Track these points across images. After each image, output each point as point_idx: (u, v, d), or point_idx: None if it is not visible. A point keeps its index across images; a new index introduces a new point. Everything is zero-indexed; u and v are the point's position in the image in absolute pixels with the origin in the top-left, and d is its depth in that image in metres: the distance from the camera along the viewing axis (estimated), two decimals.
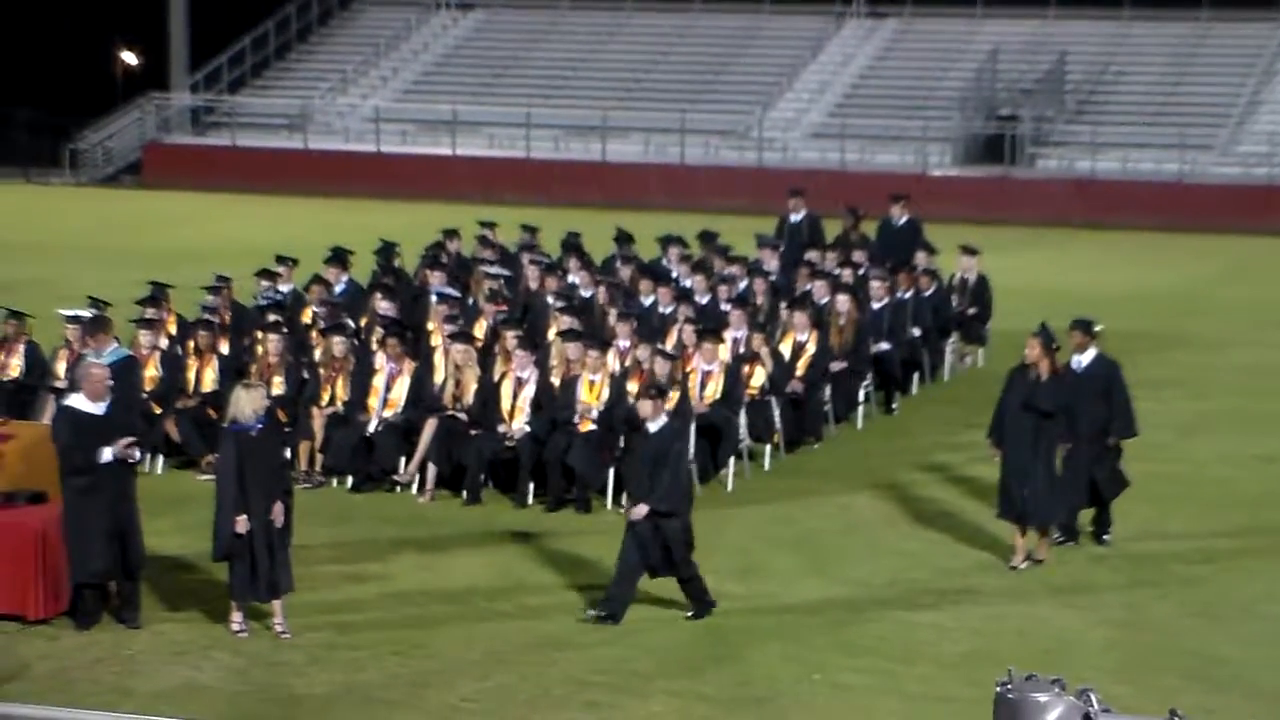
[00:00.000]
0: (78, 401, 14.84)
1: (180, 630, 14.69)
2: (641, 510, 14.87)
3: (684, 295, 23.08)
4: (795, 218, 28.79)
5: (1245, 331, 31.14)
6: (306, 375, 20.38)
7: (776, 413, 20.75)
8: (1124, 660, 14.28)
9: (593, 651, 14.32)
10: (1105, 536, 17.56)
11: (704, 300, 23.43)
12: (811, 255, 26.72)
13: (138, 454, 14.89)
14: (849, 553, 17.44)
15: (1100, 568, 16.99)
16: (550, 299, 23.17)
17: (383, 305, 22.07)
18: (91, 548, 14.53)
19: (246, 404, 14.63)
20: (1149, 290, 36.54)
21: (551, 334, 21.20)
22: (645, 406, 15.32)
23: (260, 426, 14.58)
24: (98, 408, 14.74)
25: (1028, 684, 3.51)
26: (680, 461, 15.25)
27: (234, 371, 20.37)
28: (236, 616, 14.60)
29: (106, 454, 14.52)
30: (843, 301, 22.94)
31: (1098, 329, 17.82)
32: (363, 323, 22.33)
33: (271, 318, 21.17)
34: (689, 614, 15.10)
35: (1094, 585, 16.43)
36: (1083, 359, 17.51)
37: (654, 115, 55.90)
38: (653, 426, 15.18)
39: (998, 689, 3.56)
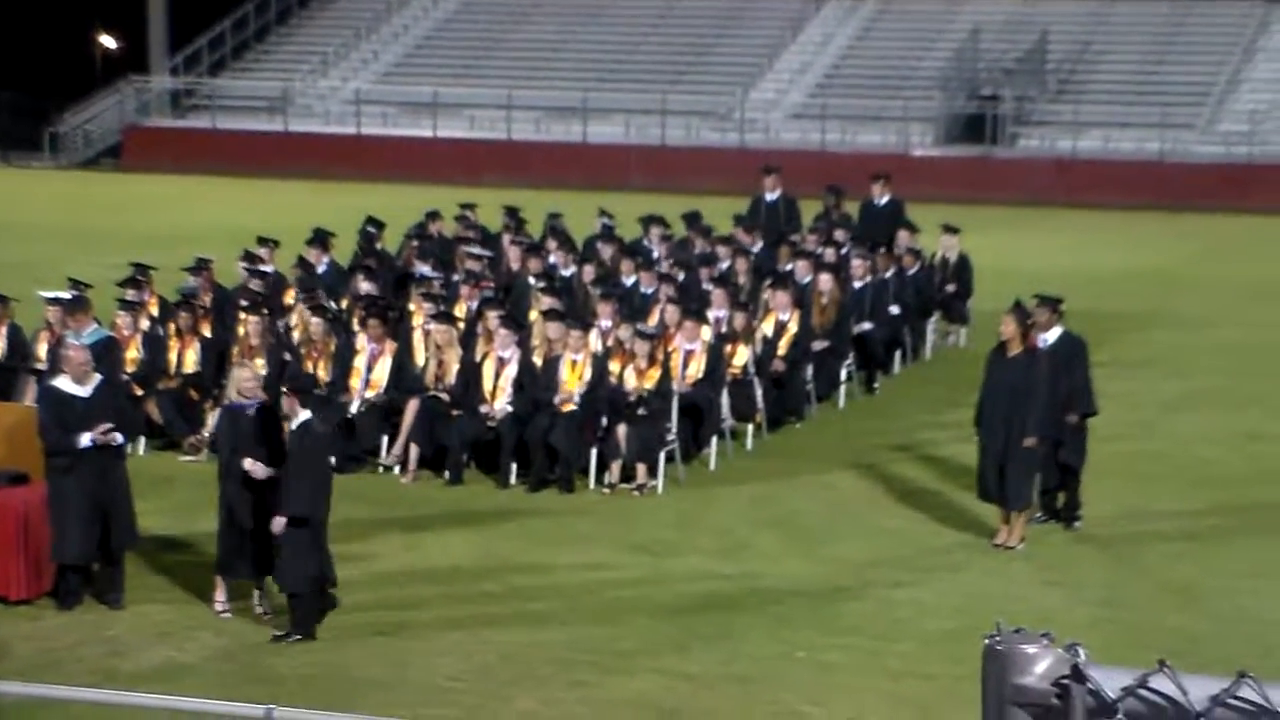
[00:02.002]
0: (61, 383, 14.82)
1: (163, 611, 14.68)
2: (279, 523, 13.99)
3: (666, 275, 23.09)
4: (771, 196, 28.72)
5: (1227, 310, 31.21)
6: (288, 356, 20.36)
7: (759, 392, 20.76)
8: (1106, 638, 14.27)
9: (577, 631, 14.32)
10: (1076, 523, 17.49)
11: (679, 277, 23.44)
12: (793, 235, 26.78)
13: (119, 437, 14.83)
14: (831, 532, 17.46)
15: (1082, 546, 17.02)
16: (532, 279, 23.18)
17: (364, 286, 22.07)
18: (70, 530, 14.52)
19: (241, 384, 14.69)
20: (1131, 269, 36.61)
21: (533, 314, 21.20)
22: (285, 402, 14.39)
23: (256, 406, 14.60)
24: (82, 390, 14.73)
25: (1016, 636, 3.53)
26: (313, 461, 14.11)
27: (215, 353, 20.38)
28: (220, 595, 14.59)
29: (85, 440, 14.49)
30: (825, 281, 22.94)
31: (1063, 306, 17.80)
32: (344, 304, 22.31)
33: (243, 301, 21.13)
34: (278, 633, 14.01)
35: (1076, 563, 16.47)
36: (1048, 336, 17.36)
37: (635, 97, 55.90)
38: (292, 424, 14.28)
39: (986, 641, 3.57)
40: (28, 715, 11.36)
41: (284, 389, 14.57)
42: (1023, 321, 16.75)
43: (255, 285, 22.24)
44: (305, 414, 14.23)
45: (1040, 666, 3.55)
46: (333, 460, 15.13)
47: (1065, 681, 3.52)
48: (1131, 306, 31.19)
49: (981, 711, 3.67)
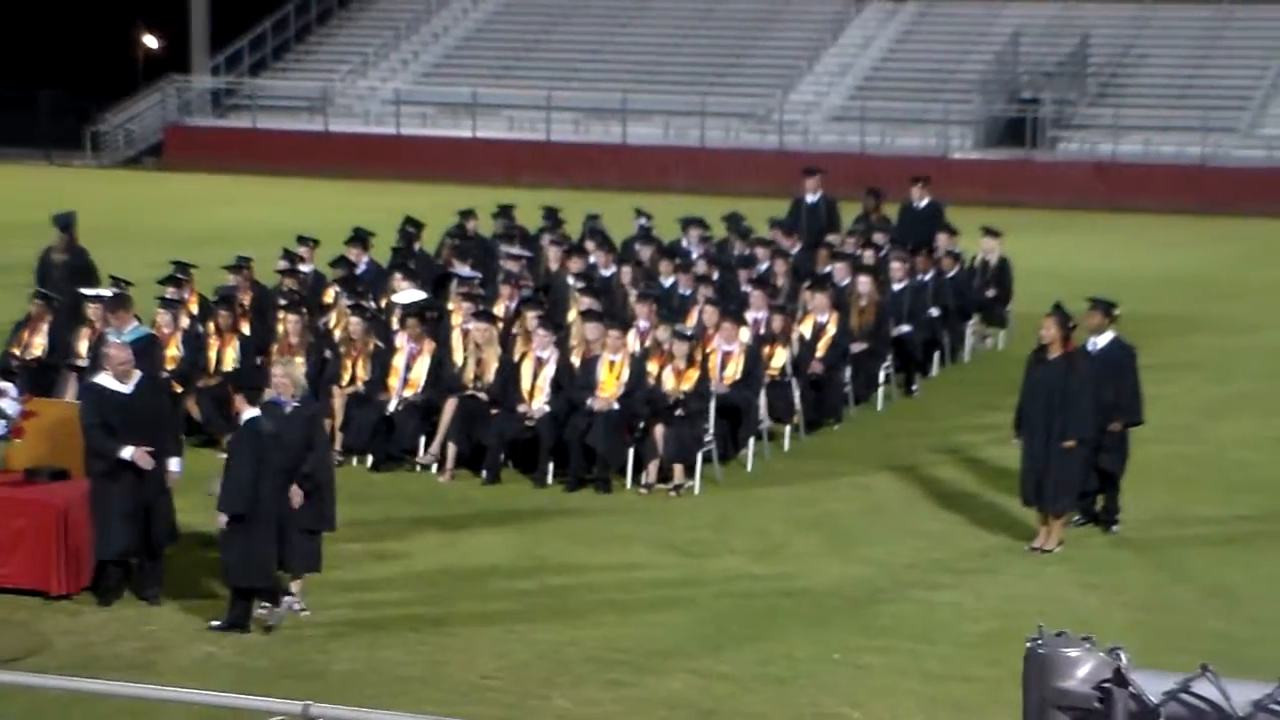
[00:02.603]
0: (103, 380, 14.89)
1: (201, 607, 14.71)
2: (220, 520, 14.11)
3: (704, 276, 23.10)
4: (812, 199, 28.66)
5: (1267, 314, 31.06)
6: (328, 355, 20.41)
7: (797, 394, 20.75)
8: (1146, 641, 14.22)
9: (613, 630, 14.32)
10: (1115, 526, 17.40)
11: (715, 277, 23.45)
12: (831, 237, 26.76)
13: (174, 465, 14.87)
14: (869, 533, 17.43)
15: (1121, 549, 16.96)
16: (570, 280, 23.20)
17: (402, 285, 22.09)
18: (113, 526, 14.59)
19: (278, 380, 14.76)
20: (1171, 273, 36.47)
21: (572, 315, 21.21)
22: (236, 401, 14.36)
23: (295, 405, 14.61)
24: (124, 387, 14.80)
25: (1058, 640, 3.52)
26: (252, 459, 13.94)
27: (255, 351, 20.44)
28: None
29: (126, 453, 14.53)
30: (863, 283, 22.91)
31: (1117, 311, 17.63)
32: (383, 303, 22.35)
33: (283, 300, 21.19)
34: (212, 622, 14.15)
35: (1115, 567, 16.40)
36: (1099, 341, 17.23)
37: (674, 98, 55.89)
38: (240, 420, 14.22)
39: (1028, 644, 3.56)
40: (66, 709, 11.43)
41: (231, 386, 14.48)
42: (1064, 324, 16.64)
43: (290, 283, 22.30)
44: (252, 412, 14.15)
45: (1082, 670, 3.55)
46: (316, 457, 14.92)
47: (1107, 685, 3.51)
48: (1172, 310, 31.06)
49: (1022, 714, 3.66)
